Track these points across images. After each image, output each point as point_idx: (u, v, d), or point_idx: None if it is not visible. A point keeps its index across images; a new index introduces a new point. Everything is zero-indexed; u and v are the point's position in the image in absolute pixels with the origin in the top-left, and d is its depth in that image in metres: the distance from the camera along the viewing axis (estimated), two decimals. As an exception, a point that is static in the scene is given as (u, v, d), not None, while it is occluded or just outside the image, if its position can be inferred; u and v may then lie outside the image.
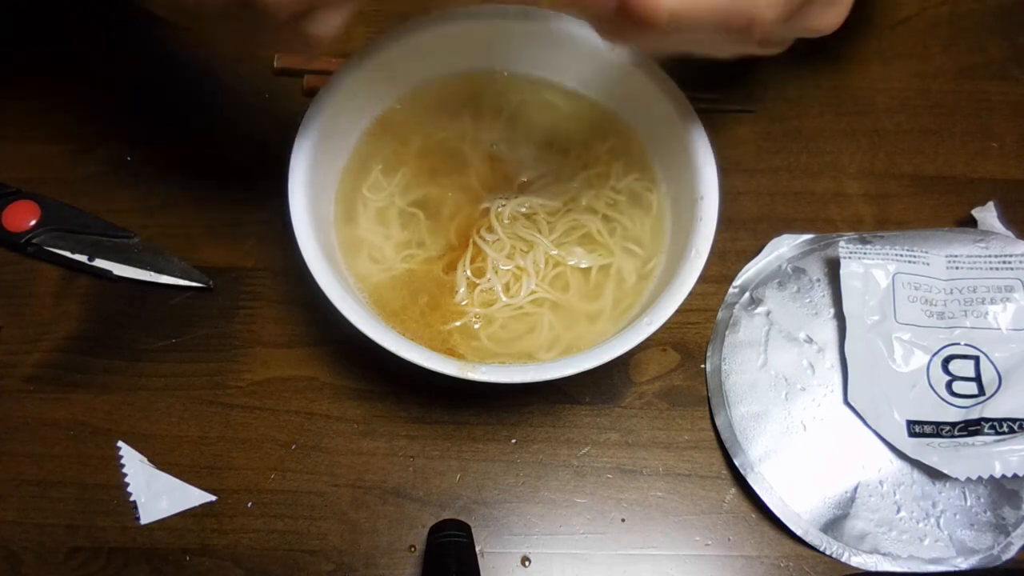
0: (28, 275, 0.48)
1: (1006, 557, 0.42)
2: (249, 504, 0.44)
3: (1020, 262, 0.45)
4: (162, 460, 0.44)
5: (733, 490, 0.45)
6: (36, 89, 0.52)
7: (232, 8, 0.30)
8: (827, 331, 0.46)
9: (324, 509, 0.44)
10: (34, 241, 0.48)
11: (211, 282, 0.47)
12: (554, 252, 0.44)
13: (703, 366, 0.47)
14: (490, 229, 0.45)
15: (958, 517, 0.43)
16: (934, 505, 0.43)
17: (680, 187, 0.44)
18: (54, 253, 0.47)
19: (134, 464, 0.44)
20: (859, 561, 0.43)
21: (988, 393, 0.44)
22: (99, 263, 0.47)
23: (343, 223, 0.45)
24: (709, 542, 0.44)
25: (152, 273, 0.47)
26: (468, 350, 0.42)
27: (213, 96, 0.53)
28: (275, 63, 0.53)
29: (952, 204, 0.51)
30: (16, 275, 0.48)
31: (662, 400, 0.47)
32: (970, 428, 0.43)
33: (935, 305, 0.45)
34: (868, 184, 0.52)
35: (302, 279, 0.40)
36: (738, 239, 0.50)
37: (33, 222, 0.48)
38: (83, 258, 0.47)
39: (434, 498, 0.44)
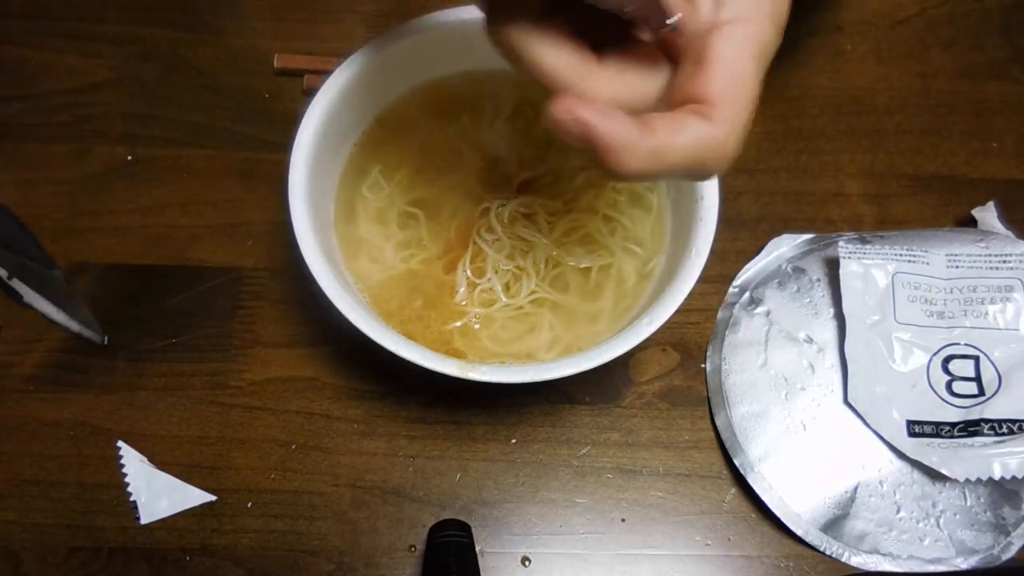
0: (28, 275, 0.48)
1: (1006, 557, 0.42)
2: (249, 504, 0.44)
3: (1020, 262, 0.45)
4: (162, 460, 0.44)
5: (733, 490, 0.45)
6: (35, 89, 0.53)
7: None
8: (827, 331, 0.46)
9: (324, 509, 0.44)
10: None
11: (105, 338, 0.46)
12: (554, 252, 0.44)
13: (703, 366, 0.47)
14: (490, 229, 0.45)
15: (958, 517, 0.43)
16: (934, 505, 0.43)
17: (680, 187, 0.44)
18: None
19: (134, 464, 0.44)
20: (859, 561, 0.43)
21: (988, 393, 0.44)
22: (15, 284, 0.46)
23: (343, 223, 0.45)
24: (709, 542, 0.44)
25: (55, 310, 0.46)
26: (468, 350, 0.42)
27: (213, 96, 0.53)
28: (275, 63, 0.53)
29: (952, 204, 0.51)
30: (16, 275, 0.48)
31: (662, 400, 0.47)
32: (970, 429, 0.43)
33: (935, 305, 0.45)
34: (868, 184, 0.52)
35: (302, 279, 0.40)
36: (738, 239, 0.50)
37: None
38: (3, 273, 0.46)
39: (434, 498, 0.44)
